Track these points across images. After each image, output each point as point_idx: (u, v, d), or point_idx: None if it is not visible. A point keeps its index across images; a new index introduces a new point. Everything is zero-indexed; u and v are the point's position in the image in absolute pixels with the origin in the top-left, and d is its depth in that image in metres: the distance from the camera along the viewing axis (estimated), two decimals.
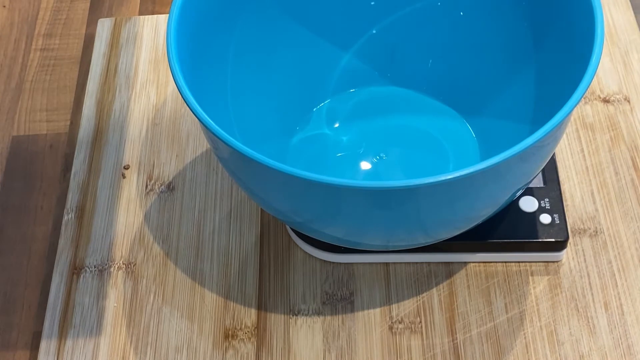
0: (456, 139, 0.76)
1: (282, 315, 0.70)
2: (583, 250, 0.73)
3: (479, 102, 0.76)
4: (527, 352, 0.68)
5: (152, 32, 0.90)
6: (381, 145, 0.76)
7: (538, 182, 0.73)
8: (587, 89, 0.57)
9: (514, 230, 0.71)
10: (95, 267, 0.74)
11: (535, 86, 0.72)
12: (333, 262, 0.73)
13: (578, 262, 0.72)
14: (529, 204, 0.72)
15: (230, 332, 0.70)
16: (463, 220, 0.64)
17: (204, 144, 0.81)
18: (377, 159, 0.75)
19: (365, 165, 0.75)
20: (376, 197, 0.57)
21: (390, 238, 0.65)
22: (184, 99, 0.59)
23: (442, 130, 0.77)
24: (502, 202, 0.63)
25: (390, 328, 0.69)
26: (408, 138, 0.77)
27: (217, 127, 0.58)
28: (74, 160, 0.81)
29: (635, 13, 0.88)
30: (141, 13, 0.95)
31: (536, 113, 0.70)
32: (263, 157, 0.56)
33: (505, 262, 0.72)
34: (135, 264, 0.74)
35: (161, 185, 0.79)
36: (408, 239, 0.65)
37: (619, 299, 0.70)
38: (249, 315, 0.71)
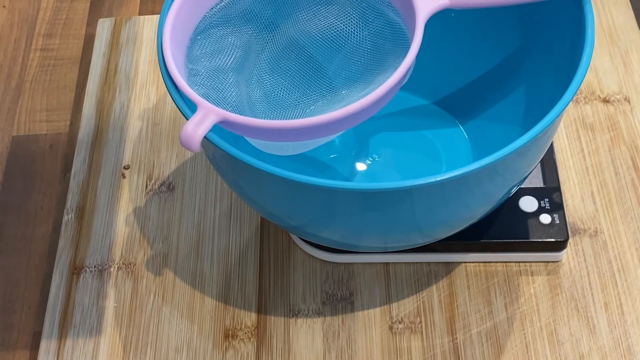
0: (449, 141, 0.76)
1: (282, 315, 0.70)
2: (583, 250, 0.73)
3: (471, 104, 0.76)
4: (527, 352, 0.68)
5: (152, 32, 0.90)
6: (374, 147, 0.76)
7: (538, 182, 0.73)
8: (574, 95, 0.57)
9: (514, 231, 0.71)
10: (95, 267, 0.74)
11: (527, 89, 0.72)
12: (333, 262, 0.73)
13: (578, 262, 0.72)
14: (529, 204, 0.72)
15: (230, 332, 0.70)
16: (457, 219, 0.64)
17: None
18: (370, 160, 0.75)
19: (358, 167, 0.75)
20: (370, 198, 0.57)
21: (387, 239, 0.65)
22: (174, 101, 0.58)
23: (435, 133, 0.77)
24: (495, 201, 0.63)
25: (390, 328, 0.69)
26: (401, 140, 0.77)
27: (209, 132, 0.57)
28: (74, 160, 0.81)
29: (635, 13, 0.88)
30: (141, 13, 0.95)
31: (527, 116, 0.71)
32: (255, 160, 0.55)
33: (505, 262, 0.72)
34: (135, 264, 0.74)
35: (161, 185, 0.79)
36: (404, 239, 0.65)
37: (619, 299, 0.70)
38: (249, 315, 0.71)
